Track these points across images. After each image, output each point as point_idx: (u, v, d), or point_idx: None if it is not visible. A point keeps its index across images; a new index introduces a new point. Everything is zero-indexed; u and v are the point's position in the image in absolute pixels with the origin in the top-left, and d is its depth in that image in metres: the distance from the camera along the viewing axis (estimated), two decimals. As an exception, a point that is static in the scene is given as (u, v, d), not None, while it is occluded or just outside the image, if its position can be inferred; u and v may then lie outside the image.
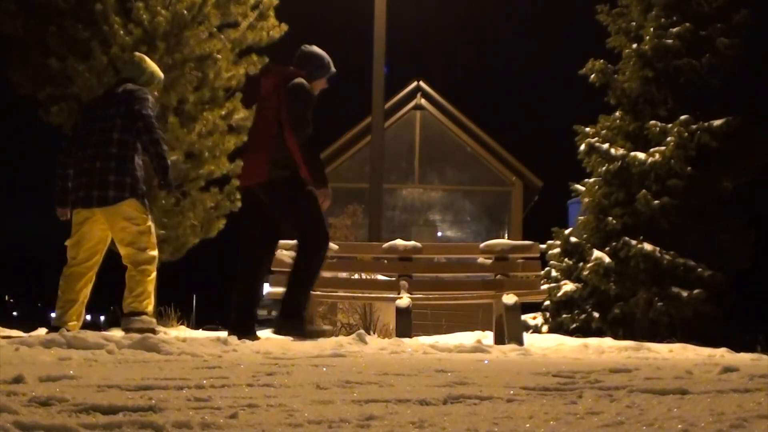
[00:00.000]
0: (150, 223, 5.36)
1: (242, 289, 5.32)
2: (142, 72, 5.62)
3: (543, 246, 13.87)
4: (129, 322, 5.20)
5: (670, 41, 14.21)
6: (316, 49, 5.59)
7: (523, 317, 12.56)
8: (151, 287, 5.37)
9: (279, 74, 5.38)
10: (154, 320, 5.34)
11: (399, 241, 6.46)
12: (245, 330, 5.12)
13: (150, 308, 5.35)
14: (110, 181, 5.21)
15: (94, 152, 5.28)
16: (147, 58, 5.81)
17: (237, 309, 5.30)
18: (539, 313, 15.16)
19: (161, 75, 5.87)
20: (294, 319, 5.14)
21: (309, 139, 5.17)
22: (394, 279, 6.25)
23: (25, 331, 5.96)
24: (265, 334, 7.42)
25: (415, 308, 6.32)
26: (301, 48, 5.61)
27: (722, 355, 5.26)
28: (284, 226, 5.44)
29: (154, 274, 5.38)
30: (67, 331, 4.73)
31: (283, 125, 5.19)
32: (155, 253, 5.38)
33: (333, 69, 5.60)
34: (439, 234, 18.05)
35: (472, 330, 8.68)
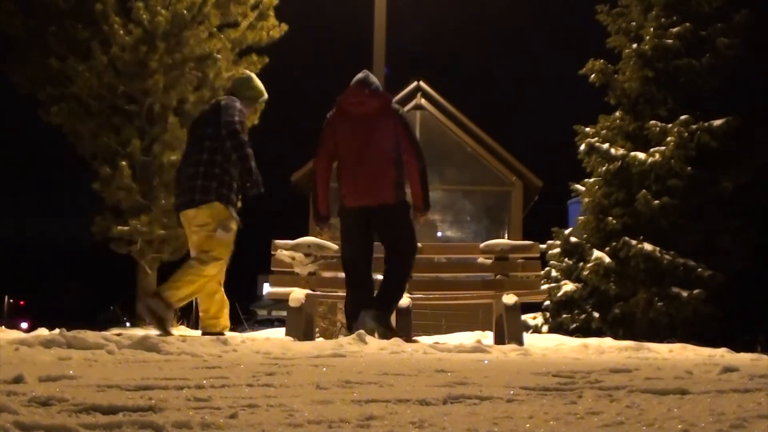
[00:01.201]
0: (226, 229, 5.46)
1: (361, 292, 5.58)
2: (244, 90, 5.86)
3: (543, 246, 13.87)
4: (147, 300, 5.34)
5: (670, 41, 14.21)
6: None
7: (523, 317, 12.56)
8: (193, 284, 5.39)
9: (385, 98, 5.74)
10: (171, 308, 5.35)
11: (399, 241, 6.45)
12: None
13: (175, 299, 5.36)
14: (197, 185, 5.42)
15: (190, 160, 5.57)
16: (255, 79, 6.00)
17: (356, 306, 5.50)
18: (539, 313, 15.15)
19: (264, 97, 6.05)
20: (387, 323, 5.37)
21: (425, 167, 5.72)
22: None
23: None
24: (264, 333, 7.43)
25: (415, 308, 6.32)
26: (370, 78, 5.81)
27: (722, 355, 5.26)
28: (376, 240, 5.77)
29: (206, 274, 5.40)
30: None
31: (402, 151, 5.61)
32: (221, 260, 5.45)
33: None
34: (439, 234, 18.02)
35: (472, 330, 8.67)
